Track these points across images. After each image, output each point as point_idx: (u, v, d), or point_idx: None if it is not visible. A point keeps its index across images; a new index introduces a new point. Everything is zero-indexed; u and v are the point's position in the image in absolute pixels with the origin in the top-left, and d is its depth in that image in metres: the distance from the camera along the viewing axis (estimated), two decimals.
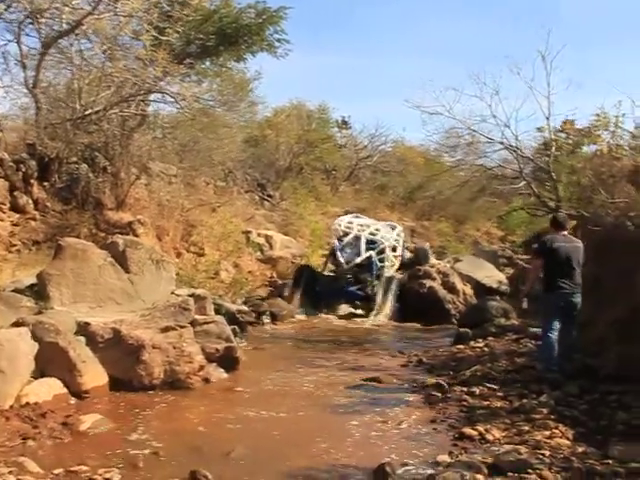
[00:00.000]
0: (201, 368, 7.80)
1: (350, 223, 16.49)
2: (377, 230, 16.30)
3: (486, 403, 7.07)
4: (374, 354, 10.49)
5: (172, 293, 8.84)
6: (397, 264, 16.30)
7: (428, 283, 14.79)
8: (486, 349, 9.83)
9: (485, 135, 12.98)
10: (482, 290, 15.80)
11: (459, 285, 15.19)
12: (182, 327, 7.92)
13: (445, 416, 6.76)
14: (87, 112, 10.85)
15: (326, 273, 16.23)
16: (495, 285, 16.26)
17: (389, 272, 15.72)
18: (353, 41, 62.38)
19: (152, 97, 11.61)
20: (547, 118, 12.00)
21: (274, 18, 13.08)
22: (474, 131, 12.88)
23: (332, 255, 16.04)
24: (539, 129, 12.27)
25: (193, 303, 8.28)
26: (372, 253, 15.54)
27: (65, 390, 6.88)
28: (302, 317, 14.30)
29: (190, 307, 8.18)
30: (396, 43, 62.18)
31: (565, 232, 8.47)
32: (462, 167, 16.35)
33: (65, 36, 10.71)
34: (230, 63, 13.94)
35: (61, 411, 6.46)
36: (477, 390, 7.52)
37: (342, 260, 15.38)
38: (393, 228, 17.02)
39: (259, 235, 17.50)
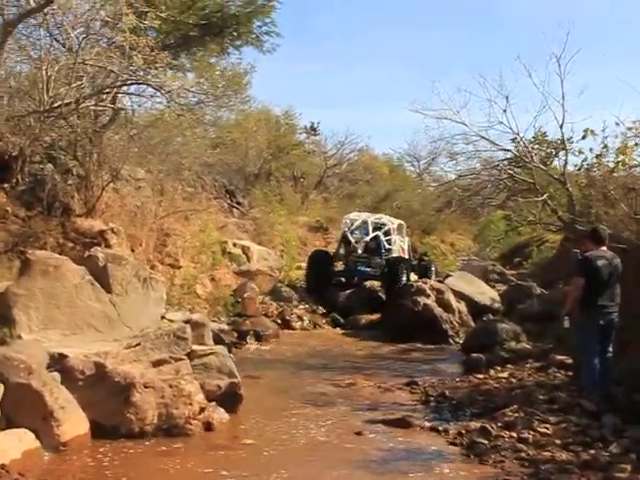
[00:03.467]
0: (201, 410, 6.50)
1: (357, 215, 18.13)
2: (381, 217, 18.18)
3: (547, 454, 5.99)
4: (385, 383, 9.26)
5: (163, 318, 7.49)
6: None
7: (422, 300, 13.69)
8: (513, 380, 8.78)
9: (495, 143, 11.92)
10: (475, 308, 14.86)
11: (454, 303, 14.14)
12: (178, 360, 6.61)
13: (506, 473, 5.64)
14: (56, 104, 9.40)
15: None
16: (488, 303, 15.32)
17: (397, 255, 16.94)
18: (313, 48, 61.47)
19: (130, 90, 10.20)
20: (560, 127, 11.05)
21: (264, 8, 11.85)
22: (483, 137, 11.81)
23: (342, 242, 17.18)
24: (555, 145, 11.20)
25: (190, 331, 6.95)
26: (379, 233, 16.78)
27: (38, 443, 5.50)
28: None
29: (187, 336, 6.85)
30: (358, 51, 61.68)
31: (605, 247, 7.69)
32: (467, 177, 15.12)
33: (32, 15, 9.25)
34: (211, 58, 12.62)
35: (35, 474, 5.11)
36: (529, 436, 6.43)
37: (352, 240, 16.55)
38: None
39: (235, 246, 16.15)
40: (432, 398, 8.28)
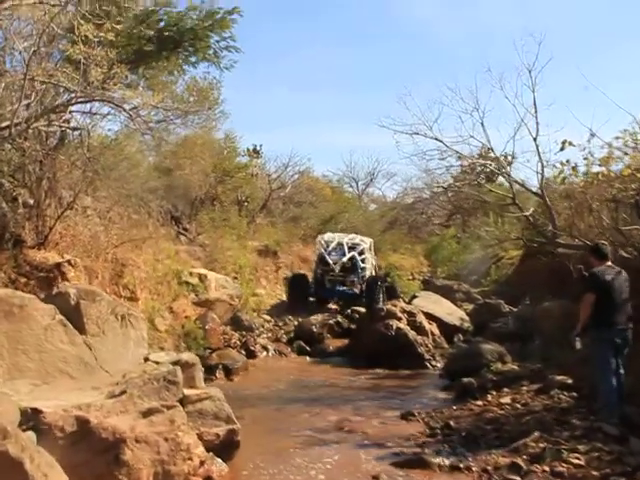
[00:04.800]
0: (201, 464, 5.68)
1: (331, 236, 19.05)
2: (354, 237, 19.15)
3: None
4: (378, 416, 8.68)
5: (146, 360, 6.62)
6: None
7: (395, 324, 13.15)
8: (518, 406, 8.26)
9: (470, 158, 11.50)
10: (446, 329, 14.46)
11: (427, 325, 13.70)
12: (170, 408, 5.77)
13: None
14: (3, 125, 8.45)
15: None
16: (458, 323, 14.97)
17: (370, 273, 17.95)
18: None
19: (85, 108, 9.33)
20: (534, 139, 10.74)
21: (223, 22, 11.15)
22: (457, 152, 11.40)
23: (319, 263, 17.98)
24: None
25: (181, 373, 6.13)
26: (354, 253, 17.60)
27: None
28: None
29: (178, 380, 6.02)
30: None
31: (609, 262, 7.36)
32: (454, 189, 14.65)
33: None
34: (166, 75, 11.82)
35: None
36: (563, 469, 5.90)
37: (330, 261, 17.37)
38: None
39: (191, 274, 15.24)
40: (438, 431, 7.67)
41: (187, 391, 6.18)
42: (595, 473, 5.77)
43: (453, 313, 15.34)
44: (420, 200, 26.14)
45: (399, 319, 13.41)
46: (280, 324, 16.36)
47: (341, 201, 36.22)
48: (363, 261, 17.75)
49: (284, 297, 20.73)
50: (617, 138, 8.92)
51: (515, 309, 14.63)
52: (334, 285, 17.31)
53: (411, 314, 13.72)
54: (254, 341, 14.26)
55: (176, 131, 12.20)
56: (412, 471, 6.30)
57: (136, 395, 5.72)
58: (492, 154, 11.23)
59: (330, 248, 17.83)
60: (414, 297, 16.11)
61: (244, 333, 14.65)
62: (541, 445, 6.47)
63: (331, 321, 15.65)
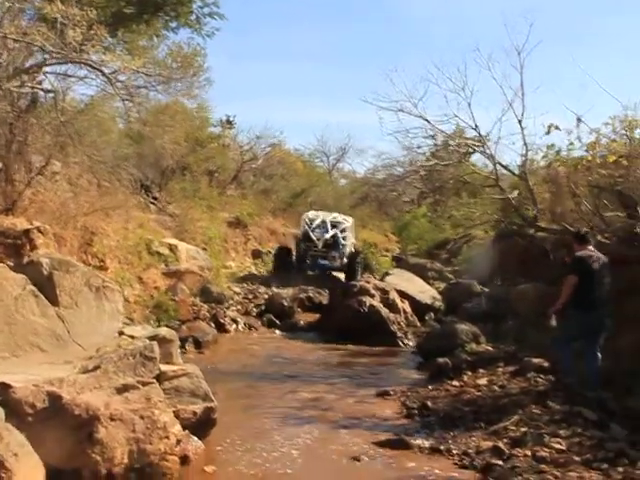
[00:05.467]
0: (178, 442, 5.50)
1: (315, 214, 20.21)
2: (337, 215, 20.44)
3: (574, 475, 5.42)
4: (353, 394, 8.59)
5: (121, 334, 6.37)
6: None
7: (368, 301, 13.04)
8: (495, 387, 8.20)
9: (452, 137, 11.34)
10: (418, 307, 14.42)
11: (399, 303, 13.61)
12: (146, 385, 5.56)
13: None
14: None
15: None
16: (430, 301, 14.96)
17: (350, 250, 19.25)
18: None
19: (60, 70, 8.91)
20: (520, 121, 10.63)
21: None
22: (442, 131, 11.21)
23: (303, 239, 19.20)
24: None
25: (158, 349, 5.91)
26: (337, 231, 18.96)
27: None
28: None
29: (155, 355, 5.80)
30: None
31: (591, 247, 7.38)
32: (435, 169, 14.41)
33: None
34: (146, 39, 11.38)
35: None
36: (545, 453, 5.86)
37: (314, 238, 18.69)
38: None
39: (162, 244, 14.92)
40: (415, 411, 7.60)
41: (163, 367, 5.97)
42: (577, 458, 5.73)
43: (425, 291, 15.31)
44: (392, 179, 25.97)
45: (372, 296, 13.29)
46: (250, 297, 16.20)
47: (312, 175, 36.09)
48: (344, 238, 19.01)
49: (253, 269, 20.76)
50: (606, 124, 8.87)
51: (487, 289, 14.66)
52: (316, 259, 18.66)
53: (384, 291, 13.60)
54: (224, 314, 14.03)
55: (156, 98, 11.71)
56: (392, 452, 6.22)
57: (111, 370, 5.50)
58: (474, 134, 11.05)
59: (314, 225, 19.09)
60: (387, 274, 16.03)
61: (213, 305, 14.42)
62: (522, 429, 6.44)
63: (302, 295, 15.57)
